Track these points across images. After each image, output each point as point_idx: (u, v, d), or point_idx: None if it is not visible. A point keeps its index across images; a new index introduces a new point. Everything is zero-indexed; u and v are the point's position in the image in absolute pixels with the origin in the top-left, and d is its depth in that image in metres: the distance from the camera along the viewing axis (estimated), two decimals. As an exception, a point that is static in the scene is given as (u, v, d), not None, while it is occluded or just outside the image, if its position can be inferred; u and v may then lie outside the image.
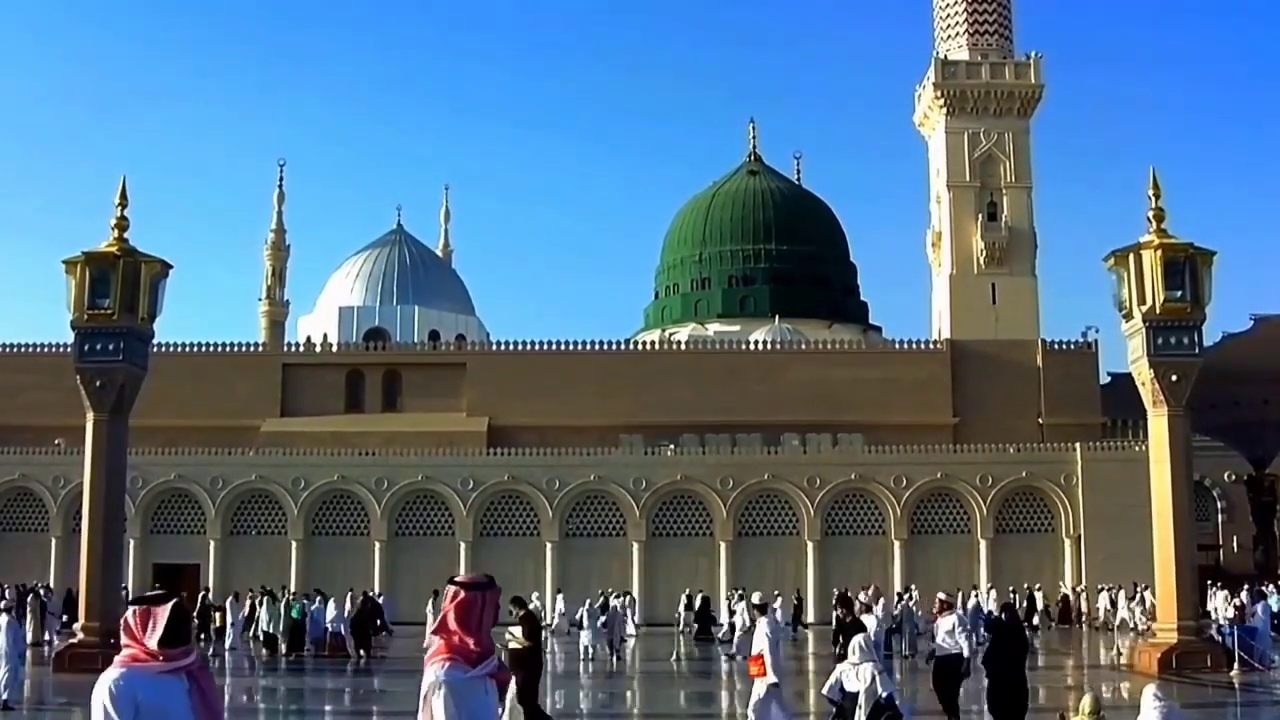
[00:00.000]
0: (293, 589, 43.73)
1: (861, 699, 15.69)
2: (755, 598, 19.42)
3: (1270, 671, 27.33)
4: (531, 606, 38.72)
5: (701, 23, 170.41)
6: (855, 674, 16.12)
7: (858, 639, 16.45)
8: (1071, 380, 60.62)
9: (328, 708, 26.15)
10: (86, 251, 28.71)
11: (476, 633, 5.51)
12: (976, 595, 43.92)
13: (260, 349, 68.10)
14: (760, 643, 16.06)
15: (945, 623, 18.17)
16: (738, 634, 34.25)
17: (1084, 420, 58.20)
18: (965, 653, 17.99)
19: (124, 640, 5.23)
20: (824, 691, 17.72)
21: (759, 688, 15.54)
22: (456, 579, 5.71)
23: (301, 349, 67.44)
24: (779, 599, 37.62)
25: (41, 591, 40.70)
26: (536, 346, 62.31)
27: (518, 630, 17.03)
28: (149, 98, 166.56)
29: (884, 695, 15.30)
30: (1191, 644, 27.13)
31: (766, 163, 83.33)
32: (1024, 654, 17.93)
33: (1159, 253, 28.12)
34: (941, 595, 19.35)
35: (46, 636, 36.21)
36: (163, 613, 5.15)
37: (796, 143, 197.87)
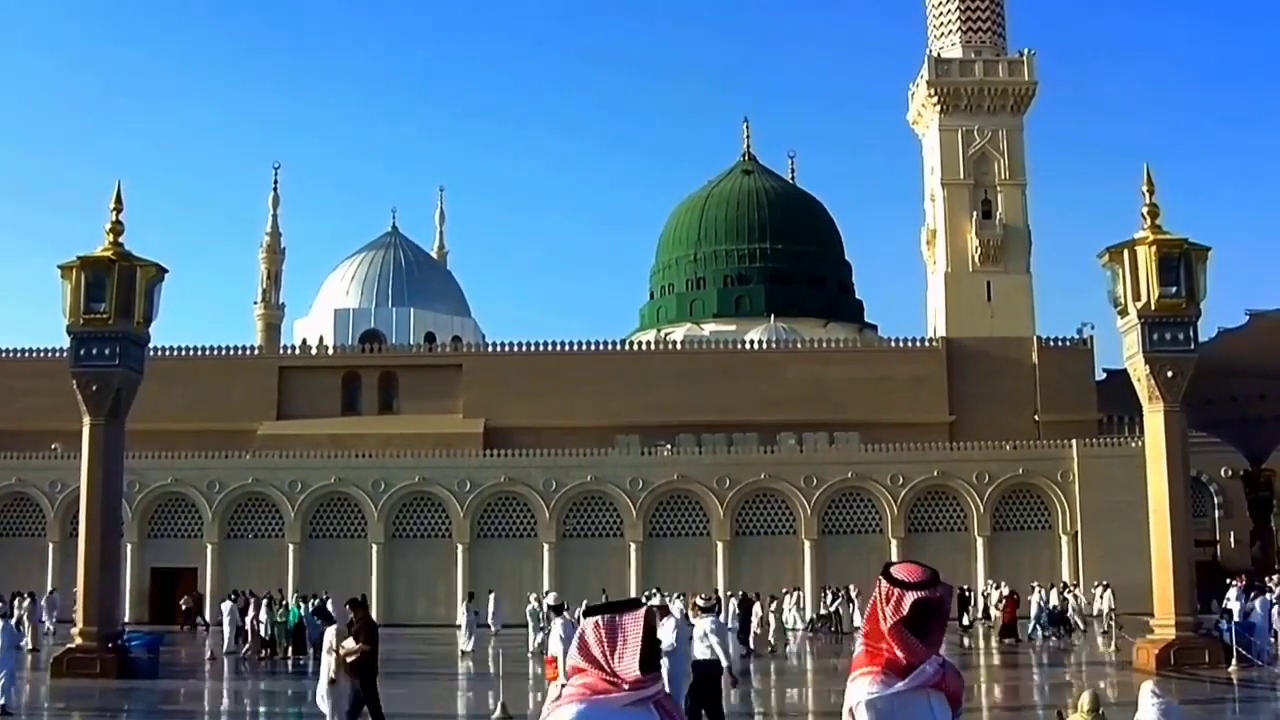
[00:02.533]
0: (290, 592, 43.76)
1: None
2: (550, 599, 18.54)
3: (1269, 667, 27.33)
4: (530, 607, 38.62)
5: (695, 22, 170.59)
6: None
7: None
8: (1067, 377, 60.64)
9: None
10: (82, 256, 28.64)
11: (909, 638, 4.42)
12: (1039, 590, 42.37)
13: (256, 352, 67.96)
14: (555, 645, 15.22)
15: (702, 625, 16.35)
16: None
17: (1080, 417, 58.25)
18: (724, 660, 16.26)
19: (576, 661, 4.09)
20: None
21: (553, 691, 14.63)
22: (891, 568, 4.50)
23: (297, 352, 67.43)
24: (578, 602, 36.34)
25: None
26: (532, 347, 62.26)
27: (350, 643, 15.82)
28: (144, 100, 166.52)
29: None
30: (1190, 640, 27.14)
31: (761, 162, 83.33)
32: None
33: (1154, 249, 28.13)
34: (699, 599, 18.04)
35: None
36: (635, 627, 4.06)
37: (791, 142, 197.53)
